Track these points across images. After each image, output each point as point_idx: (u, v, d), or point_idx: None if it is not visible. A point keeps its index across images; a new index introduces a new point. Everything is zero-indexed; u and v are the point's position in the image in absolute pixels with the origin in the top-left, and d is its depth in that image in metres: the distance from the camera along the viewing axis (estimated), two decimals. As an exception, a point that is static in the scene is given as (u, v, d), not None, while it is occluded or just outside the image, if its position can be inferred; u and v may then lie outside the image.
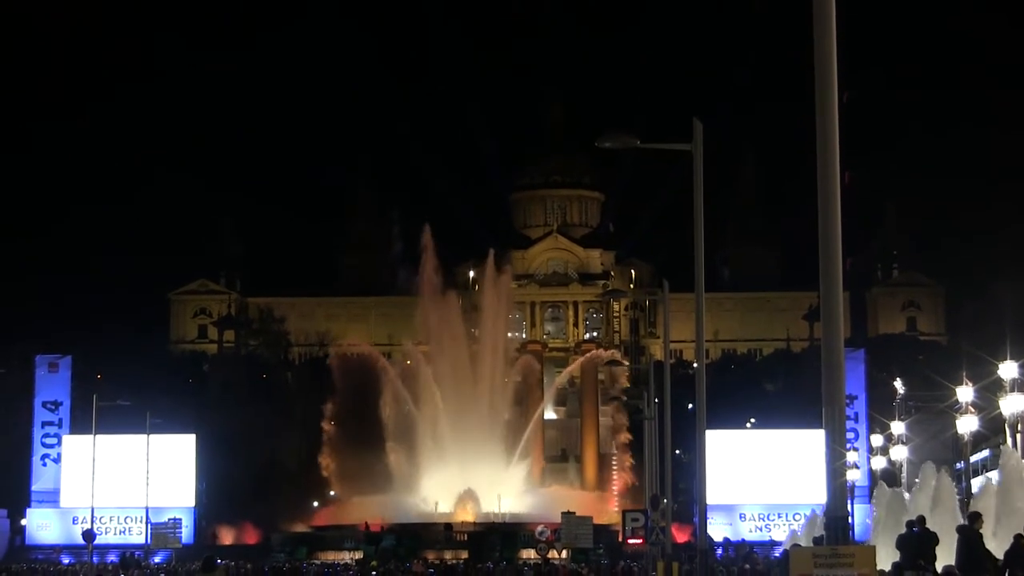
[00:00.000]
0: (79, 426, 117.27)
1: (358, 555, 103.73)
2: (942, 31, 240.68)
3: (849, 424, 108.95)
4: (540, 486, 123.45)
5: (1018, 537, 33.56)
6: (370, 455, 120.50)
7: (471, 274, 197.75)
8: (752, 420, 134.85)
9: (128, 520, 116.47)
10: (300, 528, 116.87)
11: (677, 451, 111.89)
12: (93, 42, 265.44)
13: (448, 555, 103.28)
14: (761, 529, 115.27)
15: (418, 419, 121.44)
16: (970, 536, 33.59)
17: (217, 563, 58.30)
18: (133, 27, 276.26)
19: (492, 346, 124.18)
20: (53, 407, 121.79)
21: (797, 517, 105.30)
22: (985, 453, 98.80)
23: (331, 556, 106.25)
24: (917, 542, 35.25)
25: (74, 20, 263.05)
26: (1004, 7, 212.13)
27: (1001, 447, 46.37)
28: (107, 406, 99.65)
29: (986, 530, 34.93)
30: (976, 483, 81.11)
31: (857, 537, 72.11)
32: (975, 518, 34.46)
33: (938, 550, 35.27)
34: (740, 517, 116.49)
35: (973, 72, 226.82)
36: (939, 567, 34.38)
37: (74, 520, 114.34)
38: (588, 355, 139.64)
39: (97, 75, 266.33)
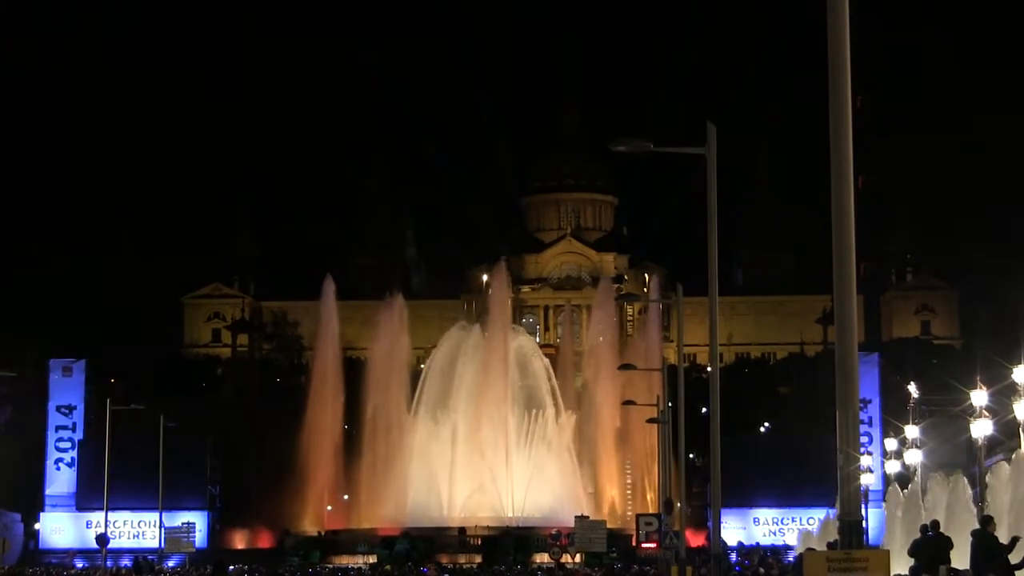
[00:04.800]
0: (93, 430, 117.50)
1: (372, 559, 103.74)
2: (958, 29, 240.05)
3: (863, 428, 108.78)
4: (554, 490, 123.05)
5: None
6: (381, 459, 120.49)
7: (484, 278, 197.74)
8: (766, 423, 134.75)
9: (142, 524, 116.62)
10: (313, 532, 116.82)
11: (691, 455, 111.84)
12: (105, 37, 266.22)
13: (462, 559, 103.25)
14: (775, 533, 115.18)
15: (431, 422, 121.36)
16: (984, 539, 33.48)
17: (229, 568, 58.49)
18: (147, 23, 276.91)
19: (500, 348, 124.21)
20: (67, 411, 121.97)
21: (811, 521, 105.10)
22: (999, 457, 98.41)
23: (345, 560, 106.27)
24: (931, 546, 35.16)
25: (87, 18, 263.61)
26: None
27: (1016, 452, 46.18)
28: (121, 410, 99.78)
29: (1000, 532, 34.79)
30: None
31: (871, 541, 71.96)
32: (988, 521, 34.36)
33: (952, 554, 35.18)
34: (754, 521, 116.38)
35: (990, 72, 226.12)
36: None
37: (88, 524, 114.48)
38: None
39: (109, 73, 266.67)
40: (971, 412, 63.41)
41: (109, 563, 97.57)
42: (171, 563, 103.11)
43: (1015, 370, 55.20)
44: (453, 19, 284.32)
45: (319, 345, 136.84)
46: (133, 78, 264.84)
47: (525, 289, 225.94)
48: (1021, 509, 39.24)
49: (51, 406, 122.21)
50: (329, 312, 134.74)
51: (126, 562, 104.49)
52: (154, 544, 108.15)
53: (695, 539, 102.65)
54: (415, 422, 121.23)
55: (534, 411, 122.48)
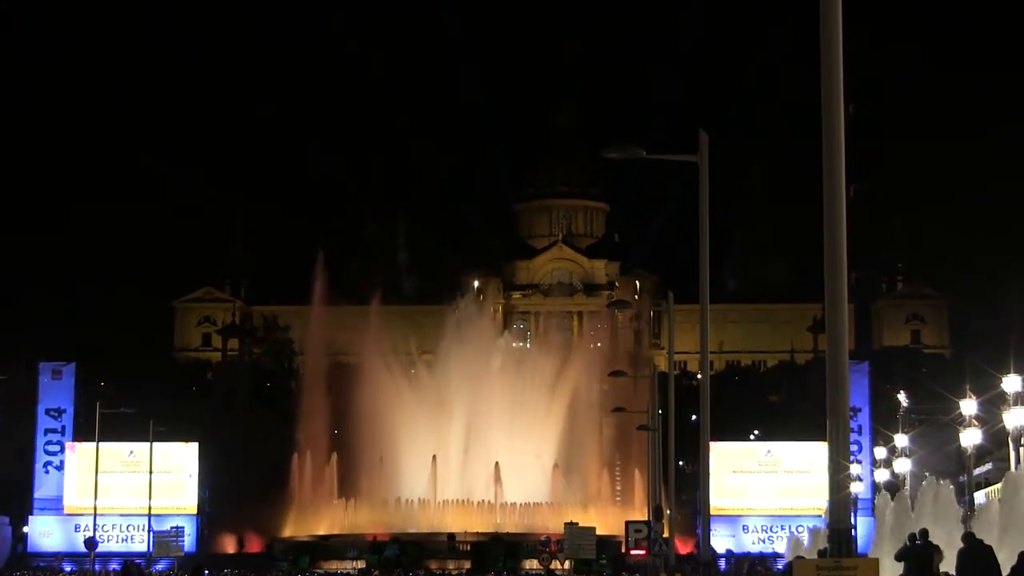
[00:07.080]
0: (82, 433, 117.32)
1: (361, 564, 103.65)
2: (953, 40, 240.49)
3: (853, 436, 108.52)
4: (543, 496, 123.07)
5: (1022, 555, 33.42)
6: (373, 464, 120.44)
7: (475, 284, 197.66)
8: (756, 432, 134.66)
9: (130, 528, 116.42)
10: (303, 536, 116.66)
11: (680, 462, 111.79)
12: (99, 41, 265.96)
13: (451, 565, 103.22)
14: (764, 541, 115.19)
15: (421, 427, 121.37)
16: (976, 545, 33.47)
17: (205, 573, 58.45)
18: (141, 23, 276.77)
19: (487, 352, 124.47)
20: (56, 414, 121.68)
21: (800, 529, 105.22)
22: (988, 466, 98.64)
23: (334, 565, 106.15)
24: (919, 556, 35.16)
25: (80, 20, 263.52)
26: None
27: (1007, 473, 46.26)
28: (110, 413, 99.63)
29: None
30: (979, 497, 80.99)
31: (860, 549, 71.99)
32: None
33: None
34: (743, 529, 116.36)
35: (981, 82, 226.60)
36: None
37: (76, 528, 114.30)
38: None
39: (102, 77, 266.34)
40: (960, 421, 63.54)
41: (97, 567, 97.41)
42: (160, 567, 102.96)
43: (1004, 380, 55.33)
44: (449, 24, 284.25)
45: (309, 349, 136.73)
46: (130, 77, 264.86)
47: (516, 295, 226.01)
48: (1011, 522, 39.22)
49: (40, 409, 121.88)
50: (319, 317, 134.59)
51: (115, 566, 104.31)
52: (143, 548, 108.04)
53: (684, 546, 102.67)
54: (405, 426, 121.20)
55: (524, 416, 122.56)
